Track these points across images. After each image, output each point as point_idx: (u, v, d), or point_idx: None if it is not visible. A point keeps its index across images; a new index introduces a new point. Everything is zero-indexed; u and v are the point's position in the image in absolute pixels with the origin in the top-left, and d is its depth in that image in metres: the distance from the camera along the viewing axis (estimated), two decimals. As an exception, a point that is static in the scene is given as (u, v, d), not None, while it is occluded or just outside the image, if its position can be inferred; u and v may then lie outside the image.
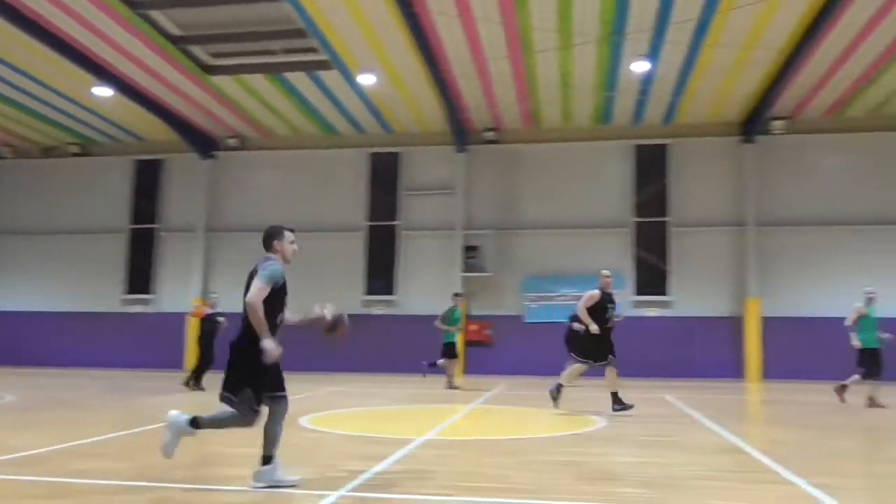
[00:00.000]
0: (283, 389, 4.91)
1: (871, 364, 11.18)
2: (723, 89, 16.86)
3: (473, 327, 19.19)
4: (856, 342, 11.33)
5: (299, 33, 14.83)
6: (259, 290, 4.74)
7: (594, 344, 9.69)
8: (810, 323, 17.57)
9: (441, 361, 14.19)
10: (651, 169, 19.42)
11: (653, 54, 14.96)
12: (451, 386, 14.00)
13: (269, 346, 4.66)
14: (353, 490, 4.81)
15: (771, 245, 18.42)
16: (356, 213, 20.58)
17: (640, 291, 18.95)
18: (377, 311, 20.00)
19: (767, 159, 18.64)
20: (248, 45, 15.65)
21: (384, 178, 20.63)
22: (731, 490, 5.14)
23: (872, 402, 11.06)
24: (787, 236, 18.41)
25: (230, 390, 4.77)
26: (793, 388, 15.41)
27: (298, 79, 16.95)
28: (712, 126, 18.97)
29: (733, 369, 18.04)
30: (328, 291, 20.22)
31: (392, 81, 16.81)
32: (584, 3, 13.11)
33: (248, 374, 4.73)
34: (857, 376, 11.29)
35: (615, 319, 9.92)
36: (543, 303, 18.97)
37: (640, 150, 19.49)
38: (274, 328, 4.84)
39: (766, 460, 6.13)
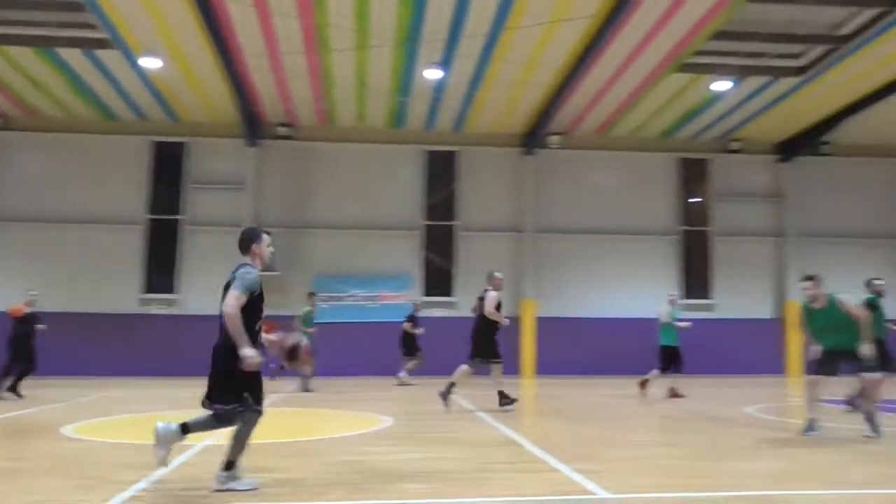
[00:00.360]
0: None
1: (671, 360, 12.62)
2: (508, 103, 17.91)
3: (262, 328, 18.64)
4: (685, 324, 12.84)
5: (75, 6, 13.52)
6: (236, 299, 4.73)
7: (484, 344, 10.24)
8: (578, 323, 19.31)
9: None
10: (441, 174, 20.14)
11: (445, 63, 15.52)
12: (306, 389, 13.52)
13: (248, 353, 4.69)
14: (124, 503, 4.49)
15: (546, 250, 19.88)
16: (135, 204, 19.14)
17: (427, 293, 19.56)
18: (156, 310, 18.79)
19: (545, 171, 20.09)
20: (15, 13, 13.98)
21: (168, 169, 19.39)
22: (504, 480, 5.50)
23: (674, 394, 12.46)
24: (560, 243, 19.96)
25: (227, 402, 4.78)
26: (562, 382, 16.75)
27: (73, 56, 15.43)
28: (498, 137, 20.08)
29: (510, 366, 19.16)
30: (101, 288, 18.80)
31: (179, 67, 15.87)
32: (382, 5, 13.28)
33: (242, 379, 4.76)
34: (656, 371, 12.66)
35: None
36: (334, 303, 18.92)
37: (432, 155, 20.14)
38: (254, 336, 4.85)
39: (537, 451, 6.63)
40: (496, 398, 10.28)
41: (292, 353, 5.39)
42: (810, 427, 7.62)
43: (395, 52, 15.06)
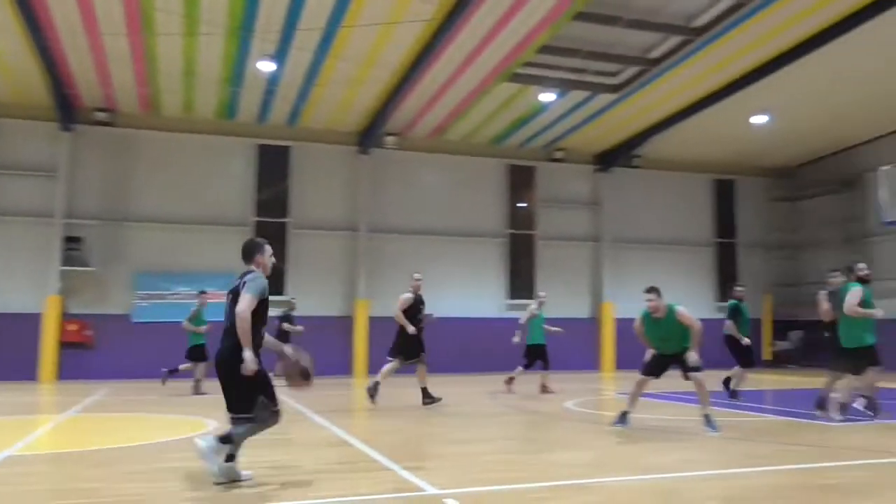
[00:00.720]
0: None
1: (536, 357, 13.27)
2: (344, 100, 17.81)
3: (72, 327, 17.22)
4: (518, 338, 13.41)
5: None
6: (249, 302, 5.00)
7: (407, 343, 10.60)
8: None
9: (186, 366, 12.91)
10: (274, 169, 19.62)
11: (280, 56, 15.14)
12: (197, 392, 12.67)
13: (249, 357, 4.94)
14: None
15: (380, 250, 19.99)
16: (-81, 190, 17.01)
17: (258, 290, 18.97)
18: (-55, 308, 16.81)
19: (380, 171, 20.20)
20: None
21: (-37, 151, 17.40)
22: (336, 481, 5.49)
23: (545, 389, 12.99)
24: (394, 243, 20.15)
25: (243, 409, 5.03)
26: (395, 381, 16.87)
27: None
28: (333, 134, 19.90)
29: (343, 367, 19.10)
30: None
31: (-20, 40, 14.29)
32: (214, -8, 12.74)
33: (254, 384, 5.01)
34: (520, 368, 13.27)
35: (428, 320, 11.05)
36: (155, 301, 17.87)
37: (264, 149, 19.54)
38: (259, 340, 5.12)
39: (369, 451, 6.67)
40: (326, 399, 10.20)
41: (304, 375, 5.46)
42: (622, 419, 8.24)
43: (227, 40, 14.49)
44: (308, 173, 19.80)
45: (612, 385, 15.56)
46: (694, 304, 21.71)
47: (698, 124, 19.27)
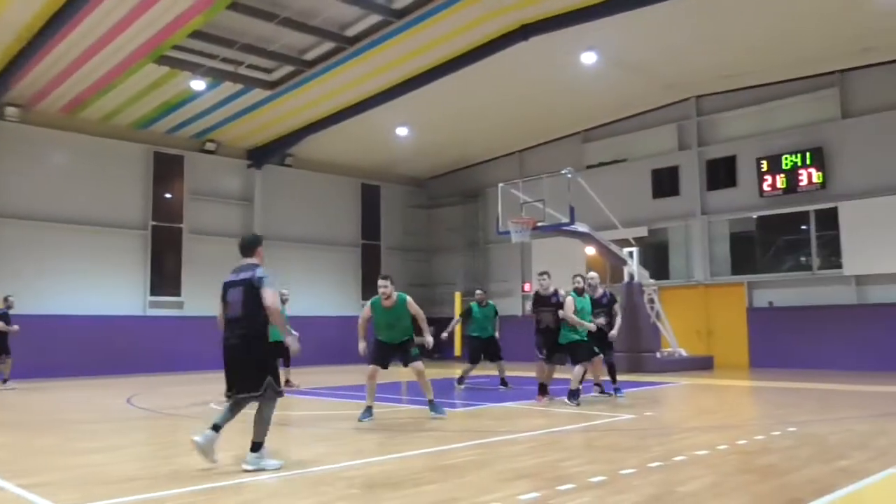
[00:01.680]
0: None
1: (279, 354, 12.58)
2: (-52, 59, 14.98)
3: None
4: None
5: None
6: (274, 295, 5.67)
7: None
8: (46, 321, 16.84)
9: None
10: None
11: None
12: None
13: (293, 341, 5.84)
14: None
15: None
16: None
17: None
18: None
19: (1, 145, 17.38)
20: None
21: None
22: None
23: (287, 384, 12.85)
24: (15, 229, 17.40)
25: (252, 388, 5.57)
26: (31, 387, 14.68)
27: None
28: (-68, 99, 16.60)
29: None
30: None
31: None
32: None
33: (264, 366, 5.64)
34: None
35: None
36: None
37: None
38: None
39: (-31, 470, 5.70)
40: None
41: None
42: (367, 413, 8.34)
43: None
44: None
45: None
46: (341, 301, 22.75)
47: (350, 129, 20.18)
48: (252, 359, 5.68)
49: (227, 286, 5.88)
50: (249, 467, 5.51)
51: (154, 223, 19.87)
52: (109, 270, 18.87)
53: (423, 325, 8.64)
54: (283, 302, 13.03)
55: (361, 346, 8.67)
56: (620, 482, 4.95)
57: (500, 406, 10.05)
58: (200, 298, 20.35)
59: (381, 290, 8.49)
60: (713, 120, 19.65)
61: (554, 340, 10.02)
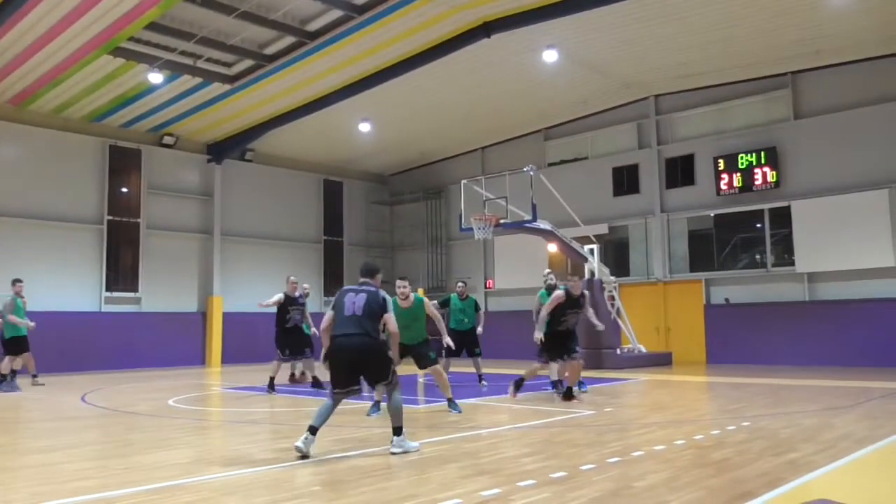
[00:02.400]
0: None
1: (15, 350, 12.81)
2: None
3: None
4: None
5: None
6: (394, 320, 6.49)
7: None
8: None
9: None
10: None
11: None
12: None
13: (395, 353, 6.64)
14: None
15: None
16: None
17: None
18: None
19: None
20: None
21: None
22: None
23: (15, 375, 12.80)
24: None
25: (384, 377, 6.33)
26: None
27: None
28: None
29: None
30: None
31: None
32: None
33: (389, 363, 6.38)
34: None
35: None
36: None
37: None
38: None
39: (-86, 473, 5.53)
40: None
41: None
42: (376, 408, 8.59)
43: None
44: None
45: (218, 380, 15.28)
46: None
47: (311, 125, 20.03)
48: (384, 357, 6.37)
49: (346, 292, 6.48)
50: (397, 450, 6.01)
51: (110, 218, 19.46)
52: (63, 266, 18.46)
53: (441, 326, 8.98)
54: (306, 296, 12.91)
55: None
56: (580, 478, 5.02)
57: (465, 402, 10.09)
58: (158, 294, 20.07)
59: (399, 291, 8.63)
60: (672, 119, 19.97)
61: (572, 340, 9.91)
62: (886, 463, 5.72)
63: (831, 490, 4.70)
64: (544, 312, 9.80)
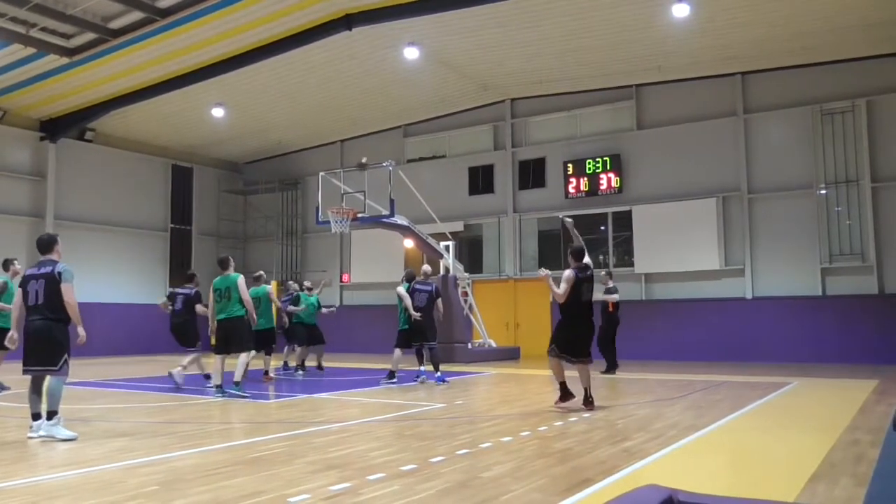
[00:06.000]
0: None
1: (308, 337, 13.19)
2: None
3: None
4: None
5: None
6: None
7: None
8: None
9: None
10: None
11: None
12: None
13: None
14: None
15: None
16: None
17: None
18: None
19: None
20: None
21: None
22: None
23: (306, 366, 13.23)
24: None
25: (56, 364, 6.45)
26: None
27: None
28: None
29: None
30: None
31: None
32: None
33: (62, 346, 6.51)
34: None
35: None
36: None
37: None
38: None
39: None
40: None
41: None
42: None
43: None
44: None
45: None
46: (147, 288, 21.32)
47: (159, 107, 18.98)
48: (54, 339, 6.41)
49: (28, 279, 6.58)
50: (41, 434, 6.11)
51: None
52: None
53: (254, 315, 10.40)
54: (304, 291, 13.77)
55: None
56: (429, 470, 5.08)
57: (315, 397, 9.95)
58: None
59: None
60: (526, 123, 20.69)
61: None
62: (709, 448, 6.23)
63: (661, 475, 5.05)
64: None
